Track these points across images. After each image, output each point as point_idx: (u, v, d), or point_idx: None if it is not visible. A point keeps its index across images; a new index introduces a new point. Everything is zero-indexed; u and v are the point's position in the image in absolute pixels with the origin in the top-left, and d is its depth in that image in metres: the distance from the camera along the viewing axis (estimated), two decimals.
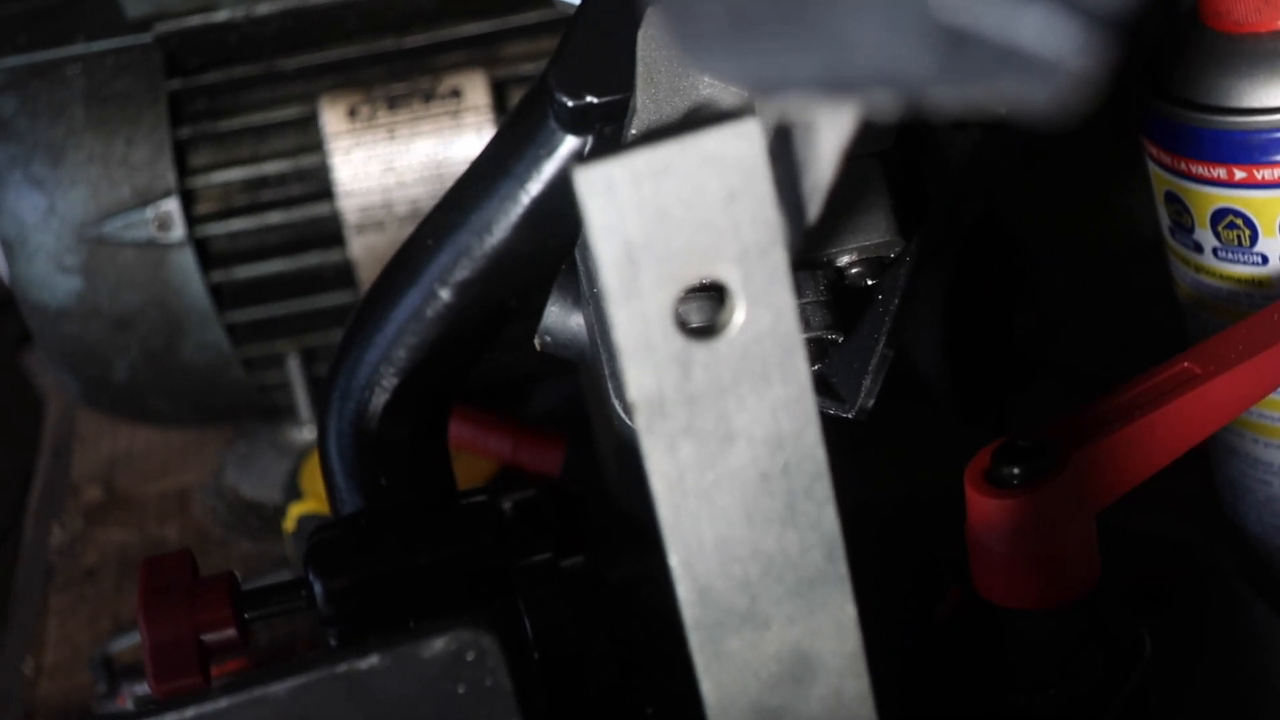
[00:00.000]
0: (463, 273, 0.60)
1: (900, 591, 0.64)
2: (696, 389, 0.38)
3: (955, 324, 0.89)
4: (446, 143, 0.88)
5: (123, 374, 0.91)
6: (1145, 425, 0.56)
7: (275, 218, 0.88)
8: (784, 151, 0.43)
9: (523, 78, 0.87)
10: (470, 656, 0.42)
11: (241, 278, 0.89)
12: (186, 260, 0.88)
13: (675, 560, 0.40)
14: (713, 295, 0.40)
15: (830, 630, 0.41)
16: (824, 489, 0.40)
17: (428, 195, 0.88)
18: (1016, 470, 0.55)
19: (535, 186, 0.58)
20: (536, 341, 0.59)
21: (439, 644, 0.42)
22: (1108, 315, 0.89)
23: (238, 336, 0.90)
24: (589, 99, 0.55)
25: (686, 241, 0.37)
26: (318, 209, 0.88)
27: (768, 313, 0.38)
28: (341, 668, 0.42)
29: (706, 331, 0.38)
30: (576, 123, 0.56)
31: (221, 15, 0.87)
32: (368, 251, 0.88)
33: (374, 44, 0.88)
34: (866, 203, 0.52)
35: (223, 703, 0.41)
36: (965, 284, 0.89)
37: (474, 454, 0.84)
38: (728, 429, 0.39)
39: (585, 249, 0.54)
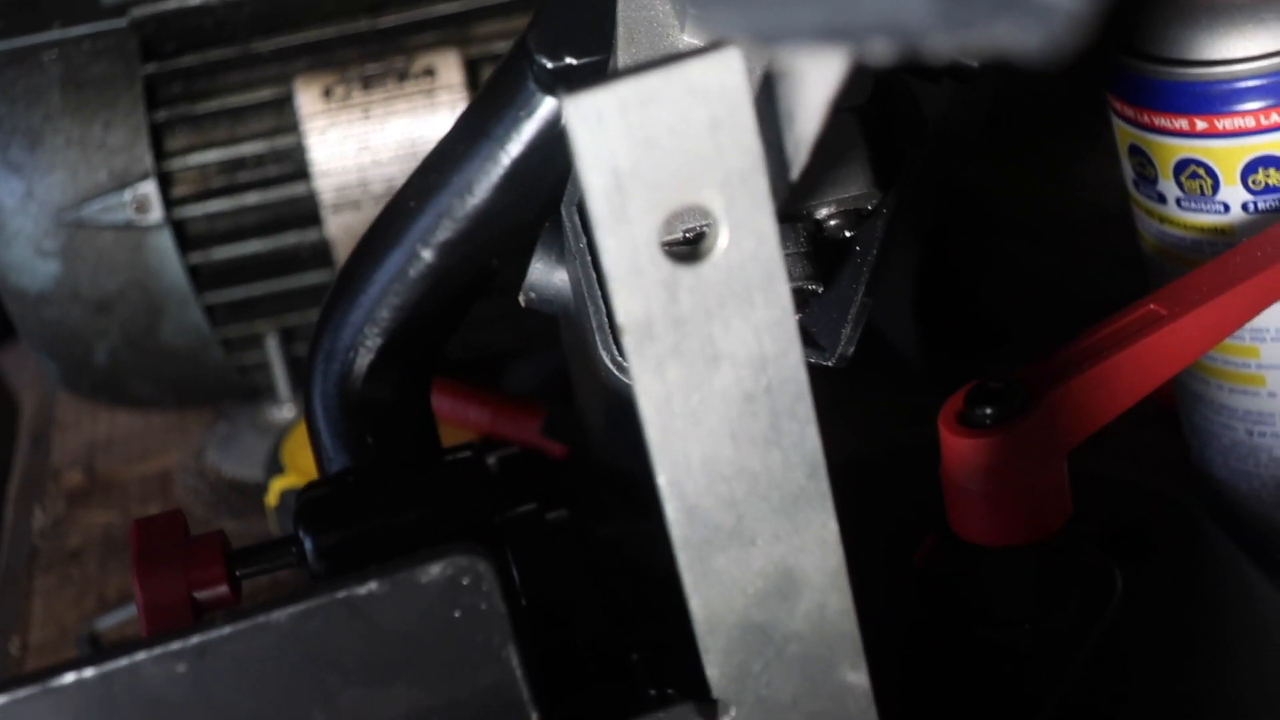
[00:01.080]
0: (445, 233, 0.62)
1: (876, 544, 0.65)
2: (683, 312, 0.40)
3: (924, 291, 0.91)
4: (421, 121, 0.89)
5: (103, 357, 0.92)
6: (1113, 365, 0.57)
7: (252, 199, 0.89)
8: (770, 103, 0.44)
9: (496, 56, 0.88)
10: (466, 581, 0.43)
11: (219, 259, 0.90)
12: (165, 242, 0.89)
13: (663, 480, 0.41)
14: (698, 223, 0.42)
15: (814, 547, 0.43)
16: (805, 409, 0.41)
17: (403, 174, 0.88)
18: (989, 411, 0.56)
19: (515, 147, 0.60)
20: (521, 298, 0.60)
21: (435, 570, 0.43)
22: (1072, 281, 0.91)
23: (216, 317, 0.91)
24: (568, 60, 0.56)
25: (672, 168, 0.38)
26: (294, 189, 0.89)
27: (751, 237, 0.39)
28: (341, 594, 0.43)
29: (692, 256, 0.39)
30: (556, 84, 0.57)
31: None
32: (344, 231, 0.90)
33: (348, 25, 0.90)
34: (844, 156, 0.54)
35: (226, 630, 0.43)
36: (933, 252, 0.91)
37: (454, 425, 0.86)
38: (713, 351, 0.40)
39: (570, 207, 0.55)
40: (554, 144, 0.59)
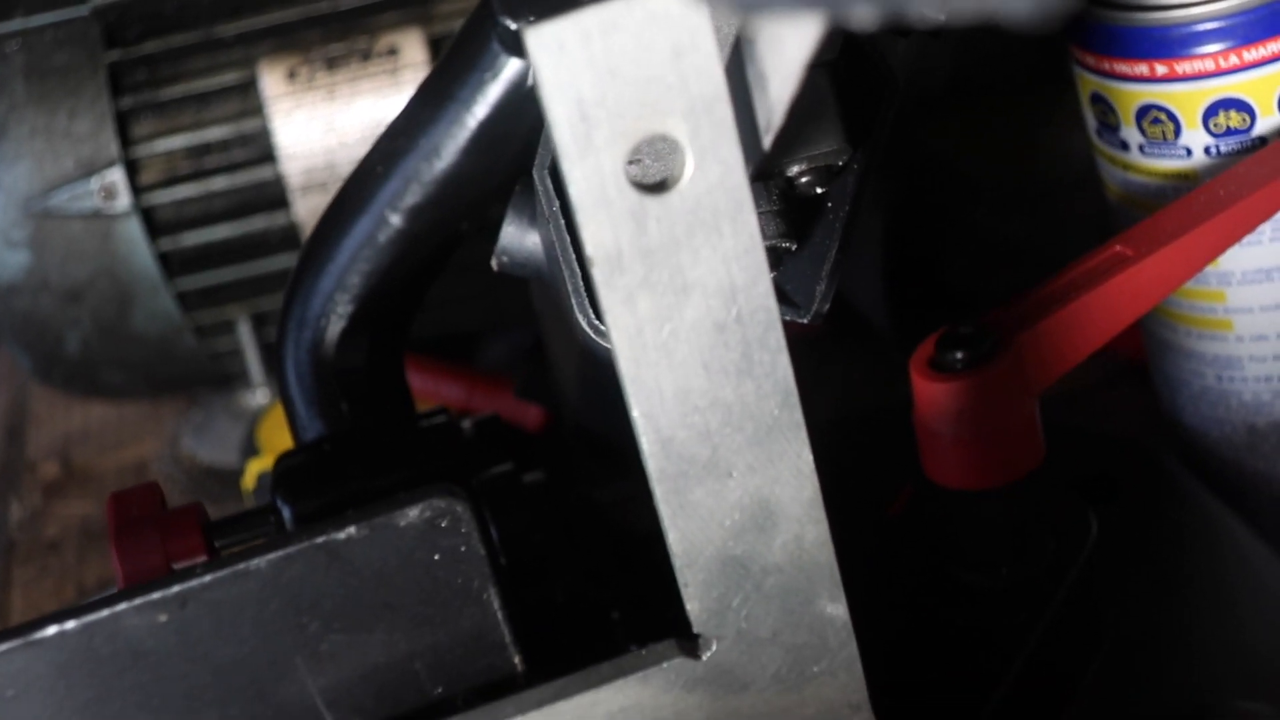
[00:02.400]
0: (413, 198, 0.62)
1: (853, 501, 0.66)
2: (652, 243, 0.40)
3: (893, 258, 0.91)
4: (386, 101, 0.89)
5: (75, 347, 0.92)
6: (1081, 307, 0.58)
7: (220, 183, 0.89)
8: (741, 68, 0.44)
9: None
10: (444, 524, 0.44)
11: (189, 245, 0.90)
12: (133, 229, 0.89)
13: (637, 412, 0.41)
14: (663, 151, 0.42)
15: (789, 478, 0.43)
16: (776, 338, 0.41)
17: None
18: (960, 355, 0.57)
19: (481, 110, 0.60)
20: (494, 262, 0.60)
21: (413, 513, 0.43)
22: (1040, 247, 0.91)
23: (188, 304, 0.91)
24: (531, 20, 0.56)
25: (636, 97, 0.38)
26: (261, 173, 0.89)
27: (716, 165, 0.40)
28: (320, 539, 0.43)
29: (659, 186, 0.40)
30: (520, 45, 0.57)
31: None
32: (313, 213, 0.89)
33: (310, 6, 0.90)
34: (815, 112, 0.54)
35: (206, 578, 0.43)
36: (902, 219, 0.91)
37: (429, 402, 0.86)
38: (683, 281, 0.40)
39: (542, 170, 0.55)
40: (520, 106, 0.59)
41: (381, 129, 0.88)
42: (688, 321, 0.41)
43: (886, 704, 0.48)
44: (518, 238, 0.59)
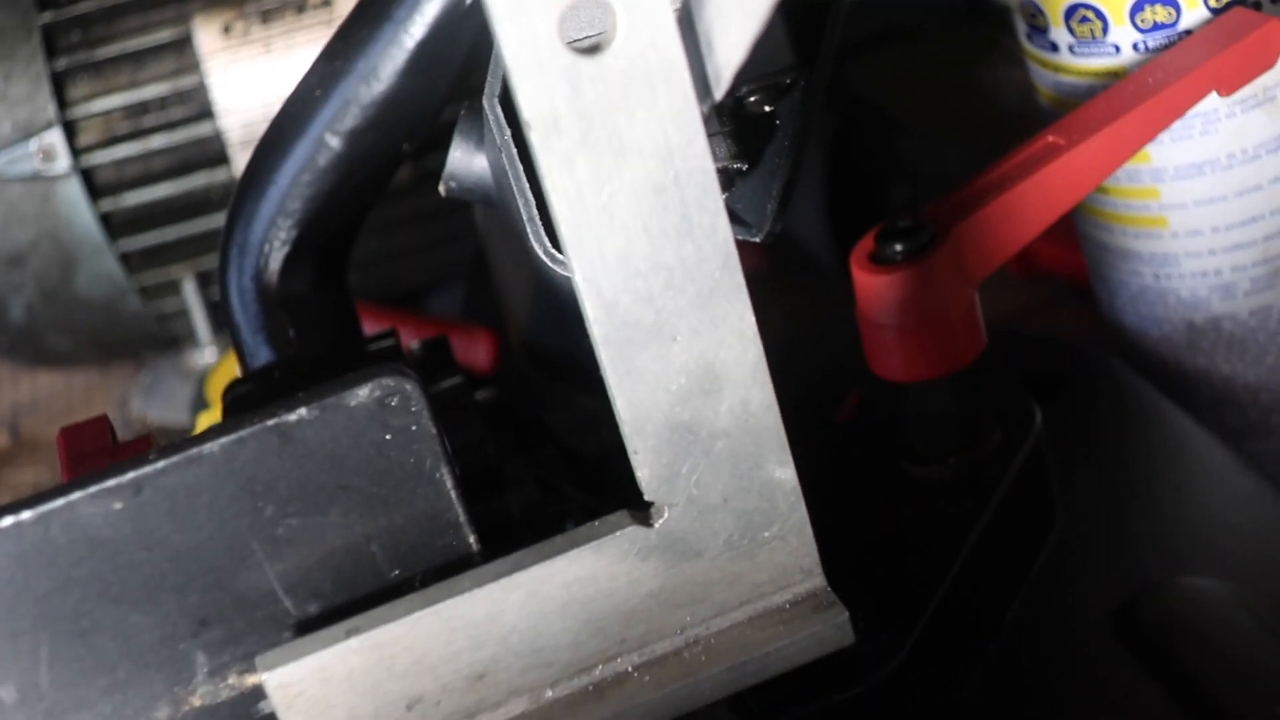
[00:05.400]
0: (352, 121, 0.62)
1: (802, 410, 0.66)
2: (587, 105, 0.40)
3: (836, 197, 0.92)
4: None
5: (19, 314, 0.91)
6: (1015, 196, 0.59)
7: (159, 141, 0.89)
8: (691, 31, 0.45)
9: None
10: (394, 402, 0.44)
11: (131, 204, 0.90)
12: (74, 191, 0.89)
13: (580, 277, 0.42)
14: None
15: (733, 340, 0.43)
16: (714, 200, 0.42)
17: None
18: (899, 247, 0.57)
19: (418, 29, 0.60)
20: (441, 188, 0.60)
21: (363, 392, 0.44)
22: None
23: (132, 265, 0.91)
24: None
25: None
26: (200, 129, 0.89)
27: (648, 26, 0.40)
28: (271, 422, 0.43)
29: (593, 49, 0.40)
30: None
31: None
32: None
33: None
34: (764, 33, 0.54)
35: (160, 464, 0.43)
36: (844, 159, 0.92)
37: None
38: (620, 144, 0.41)
39: (492, 99, 0.55)
40: (458, 25, 0.59)
41: None
42: (626, 184, 0.41)
43: (843, 596, 0.48)
44: (465, 163, 0.59)
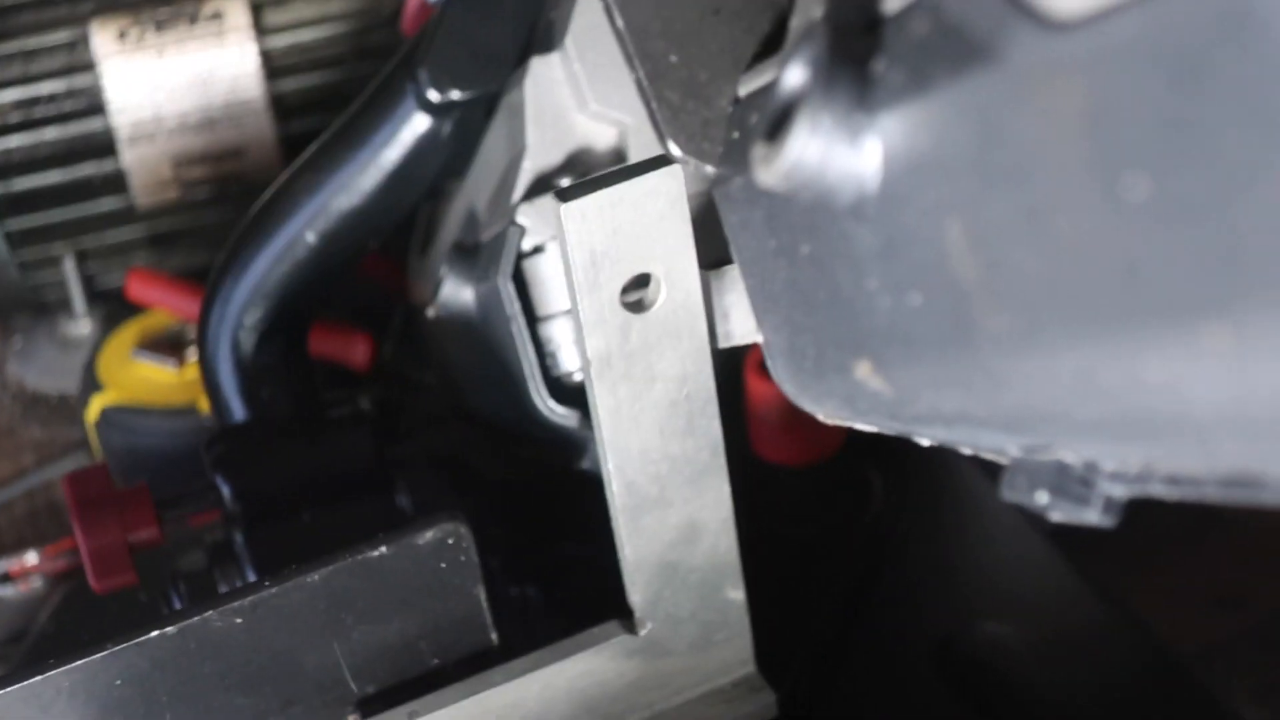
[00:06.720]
0: (327, 223, 0.73)
1: None
2: (632, 348, 0.54)
3: None
4: (211, 60, 0.99)
5: None
6: None
7: (50, 133, 0.98)
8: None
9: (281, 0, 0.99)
10: (451, 541, 0.57)
11: (19, 189, 0.98)
12: None
13: (611, 465, 0.56)
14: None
15: (713, 504, 0.58)
16: (713, 408, 0.56)
17: (195, 109, 0.99)
18: None
19: (393, 154, 0.71)
20: (430, 312, 0.71)
21: (430, 534, 0.57)
22: None
23: (14, 242, 1.00)
24: (453, 95, 0.68)
25: (630, 248, 0.52)
26: (91, 124, 0.98)
27: (680, 293, 0.54)
28: (360, 556, 0.56)
29: (638, 305, 0.53)
30: (436, 110, 0.69)
31: None
32: (139, 162, 0.99)
33: None
34: None
35: (274, 590, 0.55)
36: None
37: None
38: (652, 374, 0.54)
39: (505, 279, 0.63)
40: (428, 151, 0.71)
41: (207, 87, 0.99)
42: (653, 401, 0.55)
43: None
44: (454, 295, 0.70)
